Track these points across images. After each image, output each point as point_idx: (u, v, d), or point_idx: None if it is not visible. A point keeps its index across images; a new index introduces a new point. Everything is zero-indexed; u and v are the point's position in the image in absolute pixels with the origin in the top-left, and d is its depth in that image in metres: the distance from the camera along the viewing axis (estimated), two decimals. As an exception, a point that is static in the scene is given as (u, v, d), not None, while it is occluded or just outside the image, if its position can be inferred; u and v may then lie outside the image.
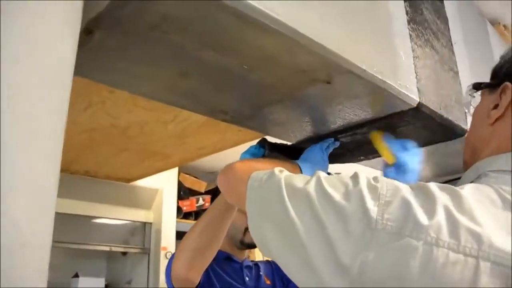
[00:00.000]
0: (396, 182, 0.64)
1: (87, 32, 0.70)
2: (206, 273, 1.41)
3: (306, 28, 0.79)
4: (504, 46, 1.98)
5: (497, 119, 0.76)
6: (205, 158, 2.54)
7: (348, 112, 1.11)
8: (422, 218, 0.57)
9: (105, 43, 0.75)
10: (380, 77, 0.97)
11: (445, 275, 0.53)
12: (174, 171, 3.32)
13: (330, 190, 0.65)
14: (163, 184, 3.21)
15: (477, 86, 0.87)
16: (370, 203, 0.60)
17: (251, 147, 1.26)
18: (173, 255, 1.40)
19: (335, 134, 1.24)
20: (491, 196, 0.62)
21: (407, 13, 1.18)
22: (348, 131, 1.22)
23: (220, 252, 1.55)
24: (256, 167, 0.83)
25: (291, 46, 0.80)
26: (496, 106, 0.77)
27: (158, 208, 3.19)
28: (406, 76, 1.08)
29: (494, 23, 1.94)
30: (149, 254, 3.09)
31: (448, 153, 1.44)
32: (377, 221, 0.58)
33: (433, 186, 0.62)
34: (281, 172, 0.75)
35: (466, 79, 1.41)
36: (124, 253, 3.16)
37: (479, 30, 1.77)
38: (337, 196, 0.63)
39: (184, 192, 3.62)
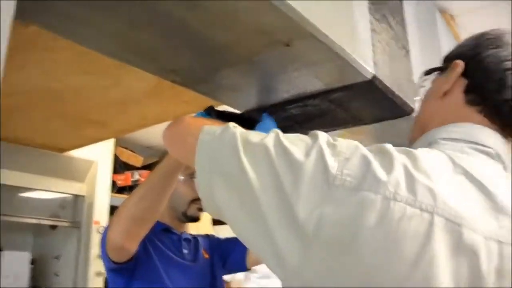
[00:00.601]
0: (355, 142, 0.65)
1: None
2: (143, 243, 1.36)
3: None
4: (449, 36, 2.03)
5: (445, 94, 0.80)
6: (143, 132, 2.46)
7: (303, 81, 1.09)
8: (381, 173, 0.58)
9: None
10: (339, 44, 0.95)
11: (401, 228, 0.55)
12: (110, 143, 3.19)
13: (288, 145, 0.64)
14: (98, 157, 3.07)
15: (428, 72, 0.90)
16: (330, 159, 0.61)
17: (198, 113, 1.21)
18: (108, 224, 1.33)
19: (285, 104, 1.22)
20: (444, 160, 0.65)
21: (367, -14, 1.17)
22: (300, 101, 1.19)
23: (159, 223, 1.50)
24: (208, 123, 0.78)
25: (258, 3, 0.76)
26: (445, 83, 0.81)
27: (92, 181, 3.05)
28: (363, 47, 1.07)
29: (442, 11, 1.98)
30: (80, 228, 2.97)
31: (395, 133, 1.45)
32: (335, 176, 0.59)
33: (390, 146, 0.64)
34: (236, 128, 0.71)
35: (416, 59, 1.42)
36: (53, 227, 3.01)
37: (430, 15, 1.80)
38: (296, 151, 0.63)
39: (119, 166, 3.50)
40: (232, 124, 0.73)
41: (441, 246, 0.56)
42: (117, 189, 3.39)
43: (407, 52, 1.37)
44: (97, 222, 2.95)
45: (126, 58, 0.97)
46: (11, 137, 2.42)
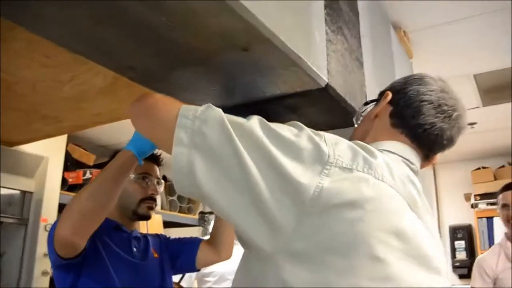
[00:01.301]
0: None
1: None
2: (92, 239, 1.35)
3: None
4: (402, 51, 2.12)
5: (376, 116, 1.00)
6: (96, 130, 2.41)
7: (259, 85, 1.12)
8: (369, 159, 0.76)
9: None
10: (295, 51, 0.98)
11: (388, 204, 0.74)
12: (63, 140, 3.12)
13: (274, 126, 0.74)
14: (50, 153, 3.00)
15: (367, 103, 1.09)
16: (321, 141, 0.73)
17: None
18: (57, 220, 1.31)
19: (240, 107, 1.24)
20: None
21: (324, -3, 1.21)
22: (255, 105, 1.22)
23: (109, 221, 1.49)
24: (178, 102, 0.82)
25: (218, 6, 0.78)
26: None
27: (41, 178, 2.97)
28: (318, 56, 1.11)
29: (396, 27, 2.07)
30: (27, 225, 2.88)
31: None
32: (329, 155, 0.72)
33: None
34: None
35: (369, 70, 1.48)
36: (-2, 223, 2.92)
37: (384, 30, 1.87)
38: (284, 132, 0.73)
39: (71, 164, 3.42)
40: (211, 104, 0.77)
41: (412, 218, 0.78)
42: (68, 187, 3.31)
43: (361, 64, 1.42)
44: (45, 220, 2.87)
45: (85, 52, 0.98)
46: (-43, 128, 2.34)
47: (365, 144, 0.82)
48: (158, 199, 1.88)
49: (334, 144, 0.75)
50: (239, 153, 0.69)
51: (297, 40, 1.00)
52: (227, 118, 0.74)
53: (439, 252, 0.83)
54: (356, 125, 1.08)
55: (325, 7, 1.20)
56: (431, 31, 2.20)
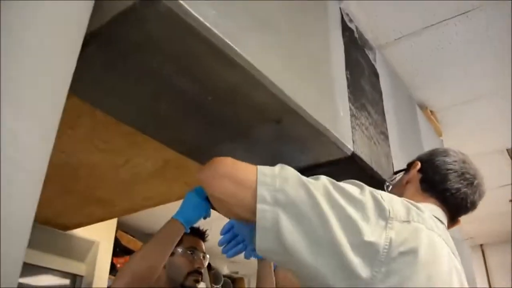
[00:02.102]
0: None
1: (84, 44, 0.82)
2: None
3: (266, 68, 0.95)
4: (430, 129, 2.24)
5: (407, 183, 1.14)
6: (144, 217, 2.53)
7: (292, 156, 1.26)
8: (420, 212, 0.88)
9: (95, 58, 0.87)
10: (322, 122, 1.13)
11: (441, 250, 0.86)
12: (113, 225, 3.30)
13: (343, 185, 0.84)
14: (100, 238, 3.17)
15: (396, 172, 1.27)
16: (381, 199, 0.83)
17: (198, 186, 1.37)
18: (114, 280, 1.44)
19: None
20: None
21: (347, 79, 1.38)
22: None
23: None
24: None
25: (250, 81, 0.95)
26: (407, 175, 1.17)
27: (92, 262, 3.13)
28: (343, 128, 1.25)
29: (422, 106, 2.21)
30: (77, 308, 2.99)
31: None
32: (389, 210, 0.81)
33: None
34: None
35: (395, 143, 1.61)
36: (50, 307, 3.04)
37: (409, 109, 2.02)
38: (352, 190, 0.83)
39: (119, 249, 3.57)
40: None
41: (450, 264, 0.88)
42: (116, 272, 3.43)
43: (386, 137, 1.55)
44: (94, 303, 2.98)
45: (144, 127, 1.15)
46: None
47: (411, 201, 0.93)
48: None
49: (390, 200, 0.84)
50: (321, 210, 0.77)
51: (323, 113, 1.15)
52: (300, 176, 0.82)
53: None
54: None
55: (348, 87, 1.36)
56: (456, 108, 2.31)
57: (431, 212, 0.99)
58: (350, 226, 0.76)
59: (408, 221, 0.83)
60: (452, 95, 2.19)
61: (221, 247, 1.26)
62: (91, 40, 0.84)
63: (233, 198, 0.84)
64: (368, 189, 0.85)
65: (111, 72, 0.93)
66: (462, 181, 1.07)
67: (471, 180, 1.08)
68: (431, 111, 2.27)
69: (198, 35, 0.82)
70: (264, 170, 0.83)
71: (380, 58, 1.83)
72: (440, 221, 1.00)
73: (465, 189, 1.06)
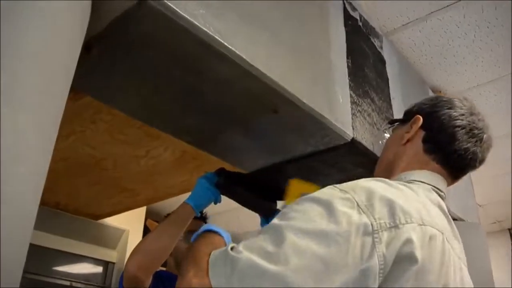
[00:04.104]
0: (362, 183, 0.80)
1: (87, 48, 0.89)
2: (155, 285, 1.56)
3: (256, 60, 1.01)
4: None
5: (408, 141, 1.01)
6: (171, 206, 2.62)
7: (292, 144, 1.32)
8: (405, 207, 0.77)
9: (100, 59, 0.95)
10: (318, 110, 1.18)
11: (432, 246, 0.76)
12: (141, 214, 3.43)
13: (311, 223, 0.72)
14: (130, 226, 3.31)
15: (392, 121, 1.12)
16: (356, 215, 0.72)
17: (208, 173, 1.44)
18: (128, 258, 1.54)
19: (283, 165, 1.44)
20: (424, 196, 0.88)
21: (348, 68, 1.42)
22: (295, 163, 1.42)
23: (167, 272, 1.72)
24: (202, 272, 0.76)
25: (242, 73, 1.01)
26: (408, 132, 1.02)
27: (123, 249, 3.27)
28: (343, 115, 1.30)
29: (435, 91, 2.22)
30: (109, 293, 3.14)
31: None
32: (372, 224, 0.72)
33: (396, 183, 0.86)
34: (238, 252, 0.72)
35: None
36: (84, 291, 3.19)
37: (421, 93, 2.04)
38: (320, 224, 0.72)
39: (149, 237, 3.70)
40: (230, 247, 0.75)
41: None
42: (146, 258, 3.56)
43: (391, 122, 1.59)
44: (125, 288, 3.11)
45: (150, 119, 1.23)
46: (52, 202, 2.70)
47: (396, 185, 0.83)
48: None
49: (369, 206, 0.74)
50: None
51: (320, 101, 1.20)
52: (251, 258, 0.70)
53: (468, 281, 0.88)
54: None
55: (349, 74, 1.41)
56: (471, 91, 2.31)
57: (429, 182, 0.93)
58: (334, 268, 0.68)
59: (396, 226, 0.73)
60: (464, 78, 2.19)
61: None
62: (94, 43, 0.92)
63: None
64: (338, 207, 0.73)
65: (116, 71, 1.01)
66: (471, 139, 0.95)
67: (480, 136, 0.96)
68: (444, 95, 2.27)
69: (188, 33, 0.89)
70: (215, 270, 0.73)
71: (388, 44, 1.85)
72: (439, 190, 0.93)
73: (474, 148, 0.95)
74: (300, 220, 0.73)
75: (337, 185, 0.79)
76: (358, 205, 0.74)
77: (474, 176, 2.38)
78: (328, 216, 0.72)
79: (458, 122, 0.96)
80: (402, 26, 1.86)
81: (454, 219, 0.95)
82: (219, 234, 0.93)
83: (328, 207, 0.73)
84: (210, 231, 0.94)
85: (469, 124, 0.96)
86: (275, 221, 0.75)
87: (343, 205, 0.73)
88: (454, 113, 0.97)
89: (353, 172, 1.48)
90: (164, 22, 0.86)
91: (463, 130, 0.95)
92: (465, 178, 1.07)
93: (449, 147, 0.95)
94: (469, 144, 0.95)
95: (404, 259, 0.71)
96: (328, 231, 0.70)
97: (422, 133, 0.99)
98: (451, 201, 1.88)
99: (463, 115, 0.97)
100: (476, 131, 0.96)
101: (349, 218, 0.71)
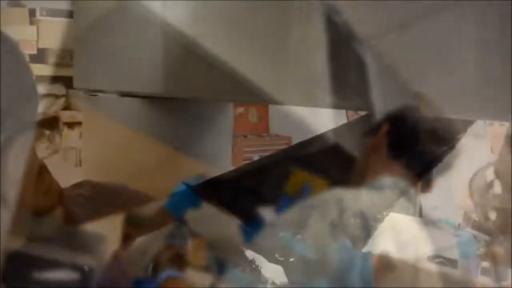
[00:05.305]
0: None
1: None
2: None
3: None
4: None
5: (371, 150, 1.02)
6: None
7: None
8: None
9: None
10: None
11: None
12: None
13: None
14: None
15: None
16: None
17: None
18: None
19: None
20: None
21: (328, 73, 1.40)
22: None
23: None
24: None
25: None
26: None
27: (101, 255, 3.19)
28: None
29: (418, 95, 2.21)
30: None
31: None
32: None
33: None
34: None
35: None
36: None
37: (402, 98, 2.03)
38: None
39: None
40: None
41: None
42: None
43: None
44: None
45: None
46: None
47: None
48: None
49: None
50: None
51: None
52: None
53: None
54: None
55: (331, 79, 1.38)
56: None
57: (396, 186, 0.94)
58: None
59: None
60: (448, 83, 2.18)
61: None
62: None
63: None
64: None
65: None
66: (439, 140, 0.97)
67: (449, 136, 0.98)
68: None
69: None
70: None
71: (370, 50, 1.83)
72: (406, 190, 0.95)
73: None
74: None
75: None
76: None
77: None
78: None
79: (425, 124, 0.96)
80: (385, 31, 1.85)
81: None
82: None
83: None
84: None
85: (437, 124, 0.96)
86: None
87: None
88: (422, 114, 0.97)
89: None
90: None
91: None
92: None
93: (411, 151, 0.98)
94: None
95: None
96: None
97: (386, 141, 1.01)
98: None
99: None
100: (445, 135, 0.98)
101: None
